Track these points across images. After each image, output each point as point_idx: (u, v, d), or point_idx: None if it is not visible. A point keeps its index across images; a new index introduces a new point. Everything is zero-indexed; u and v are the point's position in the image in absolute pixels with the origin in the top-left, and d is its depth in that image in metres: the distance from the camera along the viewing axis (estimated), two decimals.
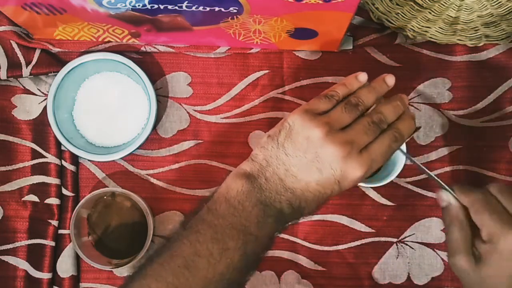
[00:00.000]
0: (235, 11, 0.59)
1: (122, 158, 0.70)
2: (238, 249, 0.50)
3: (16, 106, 0.72)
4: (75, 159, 0.72)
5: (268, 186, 0.52)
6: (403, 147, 0.63)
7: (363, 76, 0.56)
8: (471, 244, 0.56)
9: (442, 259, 0.72)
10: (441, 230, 0.72)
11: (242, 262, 0.50)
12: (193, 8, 0.59)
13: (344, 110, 0.53)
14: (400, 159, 0.66)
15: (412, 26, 0.69)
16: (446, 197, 0.58)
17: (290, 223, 0.54)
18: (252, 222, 0.51)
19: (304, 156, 0.51)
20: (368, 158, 0.52)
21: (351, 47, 0.71)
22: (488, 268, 0.54)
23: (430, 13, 0.69)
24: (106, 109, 0.71)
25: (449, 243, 0.57)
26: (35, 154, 0.71)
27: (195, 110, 0.73)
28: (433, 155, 0.72)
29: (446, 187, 0.58)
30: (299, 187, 0.52)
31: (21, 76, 0.70)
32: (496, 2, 0.68)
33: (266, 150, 0.53)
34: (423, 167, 0.60)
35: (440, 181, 0.58)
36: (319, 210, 0.72)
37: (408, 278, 0.72)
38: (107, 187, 0.72)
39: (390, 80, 0.57)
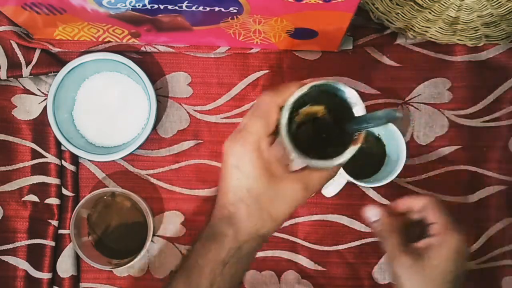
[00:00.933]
0: (235, 11, 0.59)
1: (122, 158, 0.70)
2: None
3: (16, 106, 0.72)
4: (75, 159, 0.72)
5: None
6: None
7: None
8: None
9: None
10: None
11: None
12: (193, 8, 0.59)
13: None
14: (401, 159, 0.66)
15: (412, 26, 0.69)
16: (376, 212, 0.59)
17: None
18: None
19: None
20: None
21: (351, 47, 0.71)
22: (433, 261, 0.55)
23: (430, 13, 0.69)
24: (106, 109, 0.71)
25: (390, 248, 0.57)
26: (35, 154, 0.71)
27: (195, 110, 0.73)
28: (433, 155, 0.72)
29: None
30: None
31: (21, 76, 0.70)
32: (496, 2, 0.68)
33: None
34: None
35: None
36: (320, 210, 0.73)
37: None
38: (107, 187, 0.72)
39: None
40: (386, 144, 0.70)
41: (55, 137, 0.70)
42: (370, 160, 0.71)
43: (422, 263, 0.55)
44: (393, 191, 0.72)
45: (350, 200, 0.72)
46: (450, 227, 0.56)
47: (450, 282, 0.55)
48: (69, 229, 0.69)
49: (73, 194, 0.71)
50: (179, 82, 0.73)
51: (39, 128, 0.71)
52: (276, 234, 0.72)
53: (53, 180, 0.71)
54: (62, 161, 0.71)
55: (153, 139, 0.72)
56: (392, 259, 0.57)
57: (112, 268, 0.69)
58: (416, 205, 0.59)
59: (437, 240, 0.56)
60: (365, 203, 0.72)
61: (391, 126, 0.67)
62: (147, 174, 0.72)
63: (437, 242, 0.56)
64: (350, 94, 0.48)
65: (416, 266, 0.55)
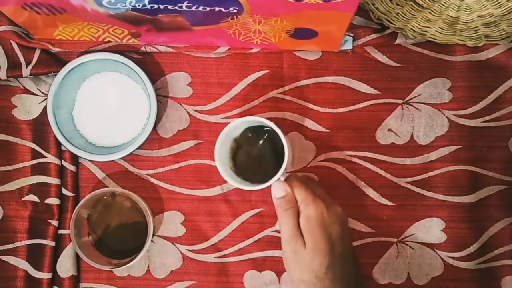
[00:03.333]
0: (235, 11, 0.59)
1: (122, 158, 0.70)
2: None
3: (16, 106, 0.72)
4: (75, 159, 0.72)
5: None
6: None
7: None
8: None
9: (442, 259, 0.72)
10: (441, 230, 0.72)
11: None
12: (193, 8, 0.59)
13: None
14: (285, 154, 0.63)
15: (412, 26, 0.69)
16: (284, 186, 0.61)
17: None
18: None
19: None
20: None
21: (351, 47, 0.71)
22: (309, 239, 0.58)
23: (430, 13, 0.69)
24: (106, 109, 0.71)
25: (286, 229, 0.60)
26: (35, 154, 0.71)
27: (195, 110, 0.73)
28: (433, 155, 0.72)
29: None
30: None
31: (21, 76, 0.70)
32: (496, 2, 0.68)
33: None
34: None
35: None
36: None
37: (408, 278, 0.72)
38: (107, 187, 0.72)
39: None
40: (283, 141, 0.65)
41: (55, 137, 0.70)
42: (271, 160, 0.67)
43: (307, 241, 0.59)
44: (393, 191, 0.72)
45: (350, 200, 0.72)
46: (307, 200, 0.59)
47: (322, 250, 0.58)
48: (69, 229, 0.69)
49: (73, 194, 0.71)
50: (179, 82, 0.73)
51: (39, 128, 0.71)
52: (276, 234, 0.72)
53: (53, 180, 0.71)
54: (62, 161, 0.71)
55: (153, 139, 0.72)
56: (291, 238, 0.59)
57: (112, 268, 0.69)
58: (288, 186, 0.61)
59: (301, 216, 0.59)
60: (365, 203, 0.72)
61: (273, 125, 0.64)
62: (147, 174, 0.72)
63: (302, 219, 0.59)
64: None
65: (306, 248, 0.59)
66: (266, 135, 0.66)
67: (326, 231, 0.59)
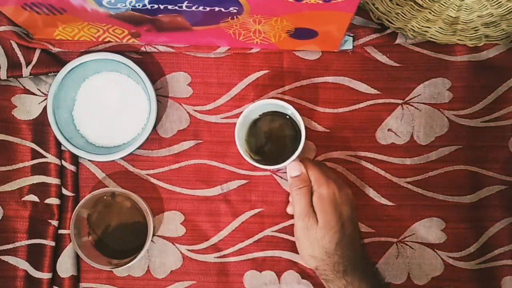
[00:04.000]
0: (235, 11, 0.59)
1: (122, 158, 0.70)
2: None
3: (16, 106, 0.72)
4: (75, 159, 0.72)
5: None
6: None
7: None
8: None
9: (442, 259, 0.72)
10: (441, 230, 0.72)
11: None
12: (193, 8, 0.59)
13: None
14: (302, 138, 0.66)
15: (412, 26, 0.69)
16: (299, 166, 0.65)
17: None
18: None
19: None
20: None
21: (351, 47, 0.71)
22: (321, 216, 0.63)
23: (430, 13, 0.69)
24: (106, 109, 0.71)
25: (299, 206, 0.64)
26: (35, 154, 0.71)
27: (195, 110, 0.73)
28: (433, 155, 0.72)
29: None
30: None
31: (21, 76, 0.70)
32: (496, 2, 0.68)
33: None
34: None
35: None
36: None
37: (408, 278, 0.72)
38: (107, 187, 0.72)
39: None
40: (298, 126, 0.68)
41: (55, 137, 0.70)
42: (286, 142, 0.70)
43: (319, 219, 0.63)
44: (393, 191, 0.72)
45: None
46: (320, 180, 0.64)
47: (333, 228, 0.62)
48: (69, 229, 0.69)
49: (73, 194, 0.71)
50: (179, 82, 0.73)
51: (39, 128, 0.71)
52: (276, 234, 0.72)
53: (53, 180, 0.71)
54: (62, 161, 0.71)
55: (153, 139, 0.72)
56: (304, 215, 0.63)
57: (112, 268, 0.69)
58: (303, 167, 0.65)
59: (314, 195, 0.63)
60: (365, 203, 0.72)
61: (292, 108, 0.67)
62: (147, 174, 0.72)
63: (314, 197, 0.63)
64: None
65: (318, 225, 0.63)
66: (283, 119, 0.69)
67: (337, 210, 0.63)
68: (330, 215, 0.62)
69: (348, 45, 0.71)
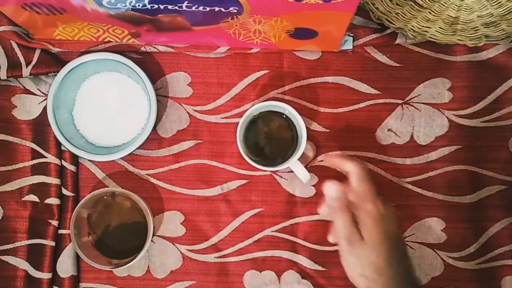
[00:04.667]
0: (235, 11, 0.59)
1: (122, 158, 0.70)
2: None
3: (16, 106, 0.72)
4: (75, 159, 0.72)
5: None
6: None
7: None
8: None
9: (442, 259, 0.72)
10: (441, 230, 0.72)
11: None
12: (193, 8, 0.59)
13: None
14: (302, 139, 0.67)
15: (412, 26, 0.69)
16: (336, 186, 0.61)
17: None
18: None
19: None
20: None
21: (351, 47, 0.71)
22: (366, 232, 0.59)
23: (430, 13, 0.69)
24: (106, 109, 0.71)
25: (344, 225, 0.60)
26: (35, 154, 0.71)
27: (195, 110, 0.73)
28: (433, 155, 0.72)
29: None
30: None
31: (21, 76, 0.70)
32: (496, 2, 0.68)
33: None
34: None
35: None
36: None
37: None
38: (107, 187, 0.72)
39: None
40: (296, 126, 0.69)
41: (55, 137, 0.70)
42: (282, 143, 0.71)
43: (365, 236, 0.59)
44: (393, 191, 0.72)
45: None
46: (368, 196, 0.60)
47: (380, 244, 0.59)
48: (69, 229, 0.69)
49: (73, 194, 0.71)
50: (179, 82, 0.73)
51: (39, 128, 0.71)
52: (276, 234, 0.72)
53: (53, 180, 0.71)
54: (62, 161, 0.71)
55: (153, 139, 0.72)
56: (350, 234, 0.59)
57: (112, 268, 0.69)
58: (343, 167, 0.62)
59: (359, 211, 0.60)
60: None
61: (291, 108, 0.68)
62: (147, 174, 0.73)
63: (359, 213, 0.59)
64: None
65: (364, 242, 0.59)
66: (280, 118, 0.70)
67: (382, 226, 0.60)
68: (375, 231, 0.59)
69: (348, 45, 0.71)
